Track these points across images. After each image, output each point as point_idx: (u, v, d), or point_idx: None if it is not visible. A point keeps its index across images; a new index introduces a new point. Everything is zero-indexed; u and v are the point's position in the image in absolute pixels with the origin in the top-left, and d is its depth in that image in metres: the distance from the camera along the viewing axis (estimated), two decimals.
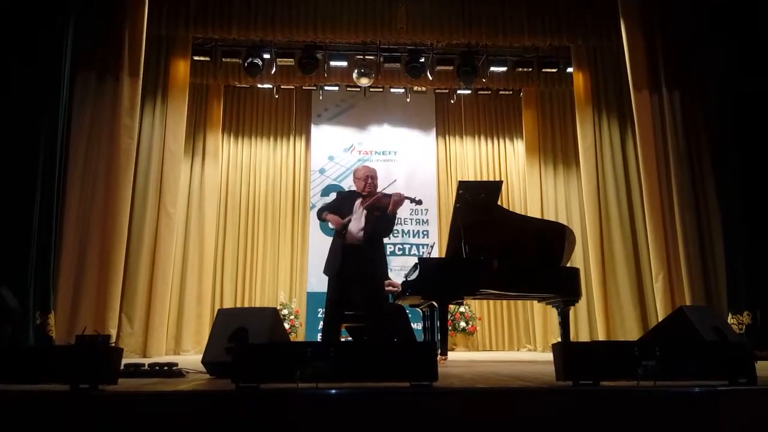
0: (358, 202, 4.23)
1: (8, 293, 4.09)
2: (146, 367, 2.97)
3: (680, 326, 3.25)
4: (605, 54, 6.90)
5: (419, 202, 4.31)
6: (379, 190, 4.35)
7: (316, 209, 4.75)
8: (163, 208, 6.27)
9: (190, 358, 5.72)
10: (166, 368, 2.97)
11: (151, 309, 6.02)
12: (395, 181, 5.23)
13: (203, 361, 3.09)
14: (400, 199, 4.13)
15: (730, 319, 5.01)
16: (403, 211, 7.97)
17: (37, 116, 4.95)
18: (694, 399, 2.06)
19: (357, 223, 4.14)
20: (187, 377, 2.98)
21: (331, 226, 4.25)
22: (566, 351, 2.27)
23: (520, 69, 7.59)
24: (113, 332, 5.47)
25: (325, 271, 4.22)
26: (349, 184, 6.91)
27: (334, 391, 2.01)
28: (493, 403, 2.06)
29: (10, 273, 4.48)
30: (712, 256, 5.52)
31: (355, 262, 4.05)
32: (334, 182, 8.13)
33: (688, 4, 5.82)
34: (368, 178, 4.26)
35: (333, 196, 4.93)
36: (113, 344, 4.84)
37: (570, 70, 7.28)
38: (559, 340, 4.85)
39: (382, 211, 4.19)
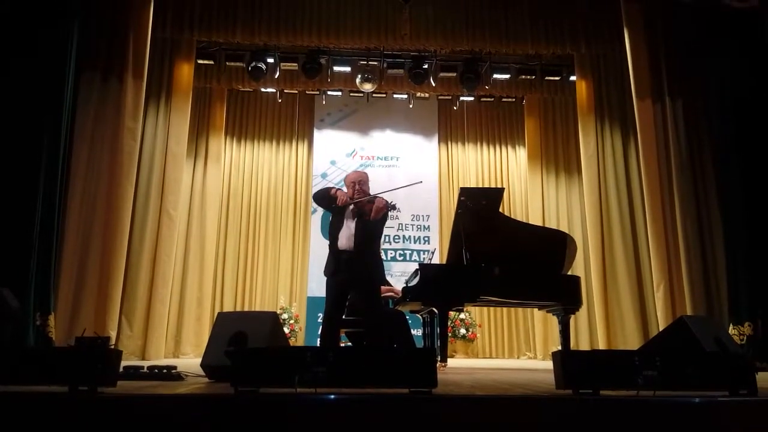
0: (350, 208, 4.21)
1: (9, 294, 4.08)
2: (145, 369, 2.97)
3: (681, 336, 3.24)
4: (608, 62, 6.91)
5: (393, 207, 4.27)
6: (401, 188, 4.36)
7: (317, 213, 4.66)
8: (164, 210, 6.27)
9: (190, 361, 5.72)
10: (165, 371, 2.97)
11: (150, 311, 6.02)
12: (421, 182, 5.26)
13: (202, 365, 3.08)
14: (381, 206, 4.11)
15: (731, 330, 4.99)
16: (405, 217, 7.99)
17: (40, 117, 4.97)
18: (694, 410, 2.05)
19: (347, 229, 4.13)
20: (185, 380, 2.98)
21: (339, 203, 4.16)
22: (566, 359, 2.27)
23: (523, 76, 7.62)
24: (113, 334, 5.47)
25: (324, 272, 4.23)
26: None
27: (332, 396, 2.01)
28: (493, 411, 2.05)
29: (11, 274, 4.50)
30: (714, 266, 5.51)
31: (348, 267, 4.04)
32: (335, 187, 8.11)
33: (691, 12, 5.82)
34: (354, 184, 4.23)
35: None
36: (112, 346, 4.83)
37: (573, 78, 7.31)
38: (560, 348, 4.84)
39: (367, 217, 4.18)
